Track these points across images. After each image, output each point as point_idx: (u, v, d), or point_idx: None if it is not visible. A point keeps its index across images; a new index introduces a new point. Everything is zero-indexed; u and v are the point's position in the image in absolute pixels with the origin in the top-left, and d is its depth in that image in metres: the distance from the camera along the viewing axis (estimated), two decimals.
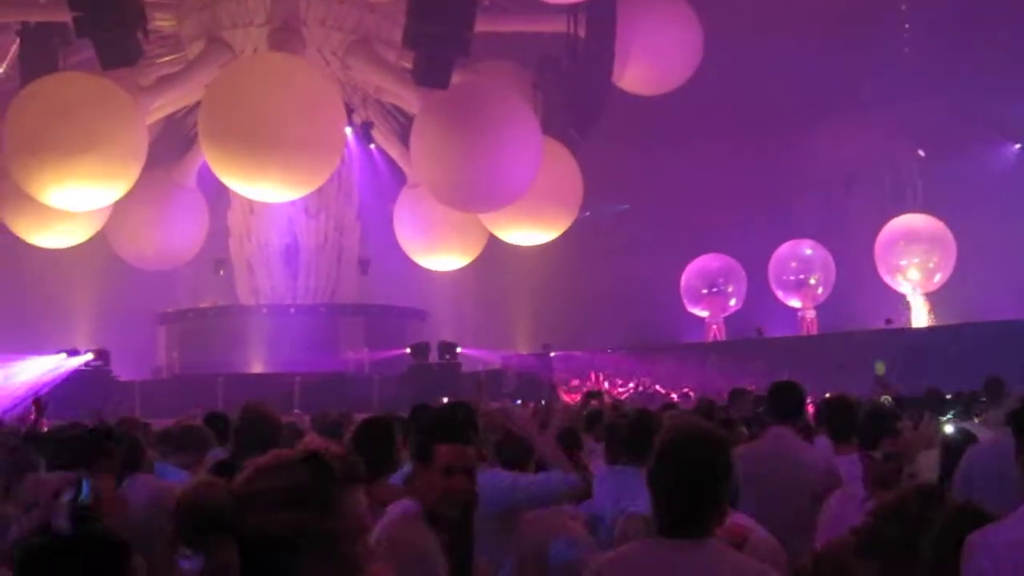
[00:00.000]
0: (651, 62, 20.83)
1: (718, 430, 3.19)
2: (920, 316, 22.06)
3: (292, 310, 22.16)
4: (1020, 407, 2.94)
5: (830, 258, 23.64)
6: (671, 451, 2.86)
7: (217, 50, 20.87)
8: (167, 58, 21.68)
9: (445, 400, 10.76)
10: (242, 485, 1.89)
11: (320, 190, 20.44)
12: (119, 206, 19.33)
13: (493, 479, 4.34)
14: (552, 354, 22.27)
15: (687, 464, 2.81)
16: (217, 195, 22.08)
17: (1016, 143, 24.64)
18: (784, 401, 5.76)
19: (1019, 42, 21.17)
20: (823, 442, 5.88)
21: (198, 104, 19.41)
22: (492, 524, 4.20)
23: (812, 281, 23.64)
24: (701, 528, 2.79)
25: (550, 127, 19.88)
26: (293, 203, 20.96)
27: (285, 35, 19.98)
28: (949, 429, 6.43)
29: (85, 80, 17.86)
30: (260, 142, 16.92)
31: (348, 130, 20.65)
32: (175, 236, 22.02)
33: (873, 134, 22.45)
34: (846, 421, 5.46)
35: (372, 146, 22.82)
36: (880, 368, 15.06)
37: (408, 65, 19.62)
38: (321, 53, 20.93)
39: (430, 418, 3.90)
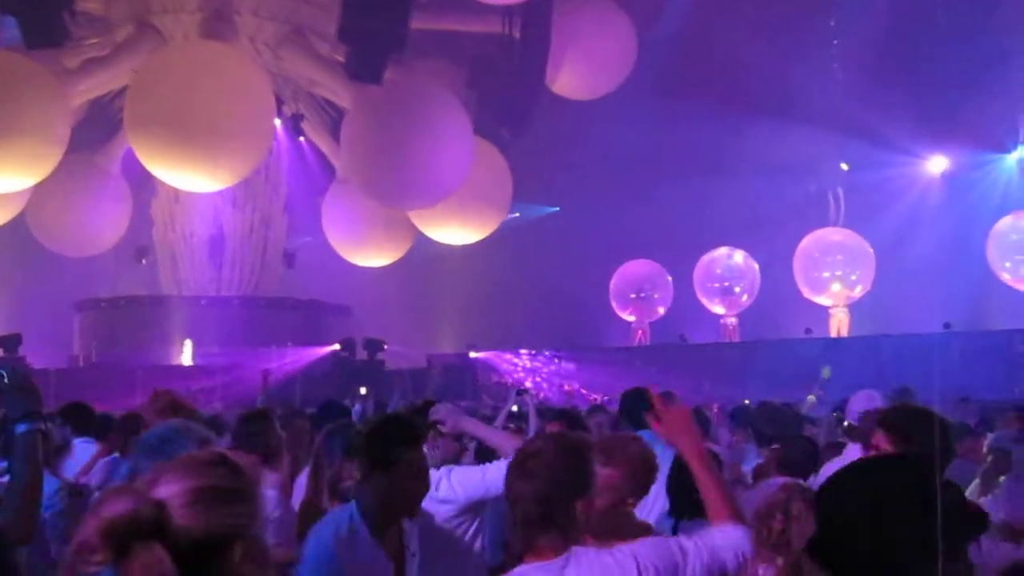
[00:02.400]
0: (584, 66, 20.98)
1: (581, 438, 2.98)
2: (838, 327, 22.49)
3: (215, 302, 21.83)
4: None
5: (755, 266, 23.99)
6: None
7: (146, 35, 20.50)
8: (94, 40, 21.19)
9: (363, 393, 10.68)
10: (165, 488, 1.85)
11: (247, 181, 20.24)
12: (39, 190, 18.90)
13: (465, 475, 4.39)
14: (474, 355, 22.28)
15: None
16: (141, 182, 21.69)
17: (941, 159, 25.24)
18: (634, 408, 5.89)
19: (946, 61, 21.69)
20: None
21: (125, 89, 19.09)
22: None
23: (737, 289, 23.95)
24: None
25: (482, 127, 19.91)
26: (220, 193, 20.72)
27: (216, 23, 19.73)
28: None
29: (8, 59, 17.41)
30: (187, 130, 16.69)
31: (277, 122, 20.45)
32: (97, 223, 21.54)
33: (798, 147, 22.81)
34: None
35: (302, 139, 22.63)
36: (826, 373, 15.38)
37: (341, 59, 19.48)
38: (253, 43, 20.67)
39: (391, 426, 3.86)
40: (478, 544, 4.37)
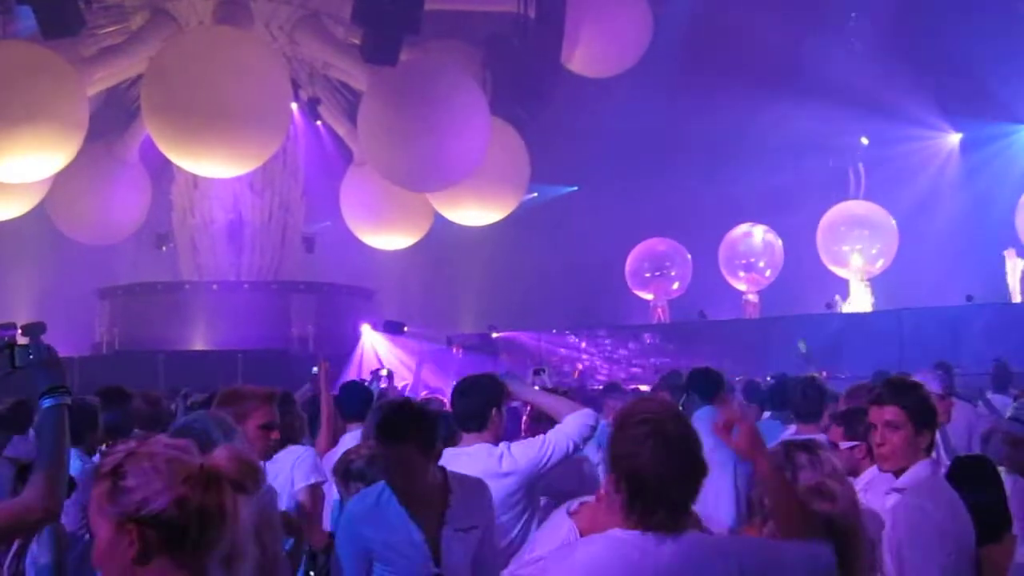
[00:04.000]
0: (600, 44, 20.90)
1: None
2: (863, 301, 22.34)
3: (236, 286, 21.91)
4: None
5: (778, 242, 23.87)
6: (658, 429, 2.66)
7: (161, 22, 20.53)
8: (110, 29, 21.23)
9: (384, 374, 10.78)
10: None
11: (265, 166, 20.27)
12: (59, 179, 19.00)
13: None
14: (495, 335, 22.27)
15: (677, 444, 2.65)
16: (160, 169, 21.77)
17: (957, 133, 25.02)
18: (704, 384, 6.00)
19: (962, 35, 21.46)
20: None
21: (141, 76, 19.13)
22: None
23: (761, 265, 23.85)
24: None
25: (499, 107, 19.85)
26: (238, 179, 20.76)
27: (231, 8, 19.75)
28: None
29: (25, 49, 17.48)
30: (205, 117, 16.73)
31: (294, 106, 20.47)
32: (116, 210, 21.65)
33: (817, 121, 22.65)
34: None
35: (318, 123, 22.65)
36: (802, 346, 15.40)
37: (356, 42, 19.46)
38: (268, 28, 20.67)
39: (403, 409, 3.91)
40: (531, 528, 4.35)
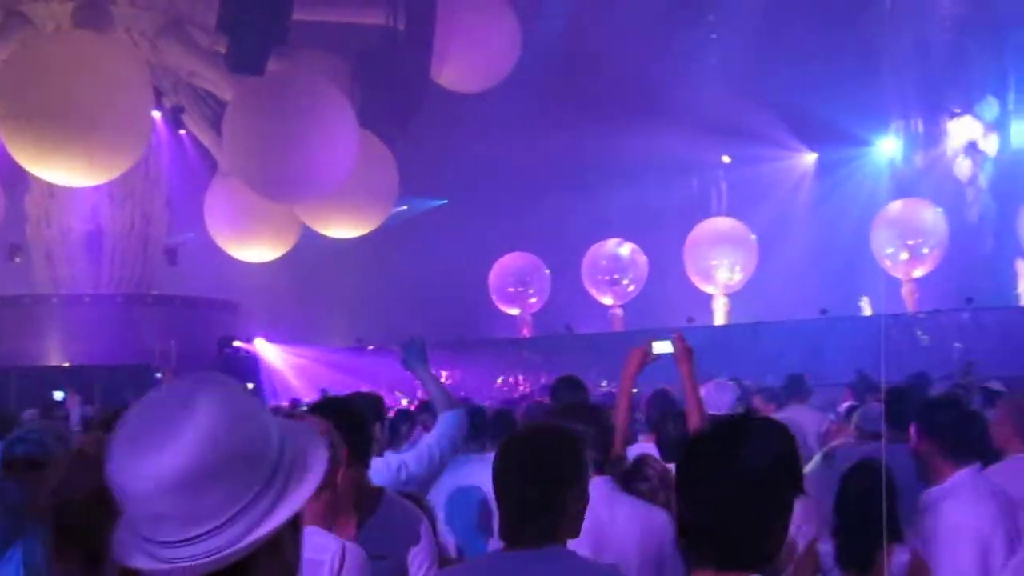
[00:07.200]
0: (469, 59, 21.02)
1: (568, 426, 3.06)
2: (719, 315, 23.00)
3: (95, 299, 21.24)
4: None
5: (642, 257, 24.36)
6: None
7: (15, 24, 19.81)
8: None
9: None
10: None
11: (126, 176, 19.73)
12: None
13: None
14: (370, 348, 22.14)
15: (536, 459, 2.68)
16: (13, 177, 20.96)
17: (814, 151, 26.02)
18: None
19: (817, 60, 22.32)
20: None
21: None
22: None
23: (625, 281, 24.30)
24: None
25: (368, 120, 19.79)
26: (97, 189, 20.17)
27: (91, 12, 19.19)
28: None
29: None
30: (61, 124, 16.24)
31: (157, 114, 20.00)
32: None
33: (681, 142, 23.24)
34: None
35: (183, 132, 22.17)
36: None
37: (222, 50, 19.14)
38: (130, 33, 20.17)
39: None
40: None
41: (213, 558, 1.43)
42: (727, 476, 1.95)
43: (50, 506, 2.25)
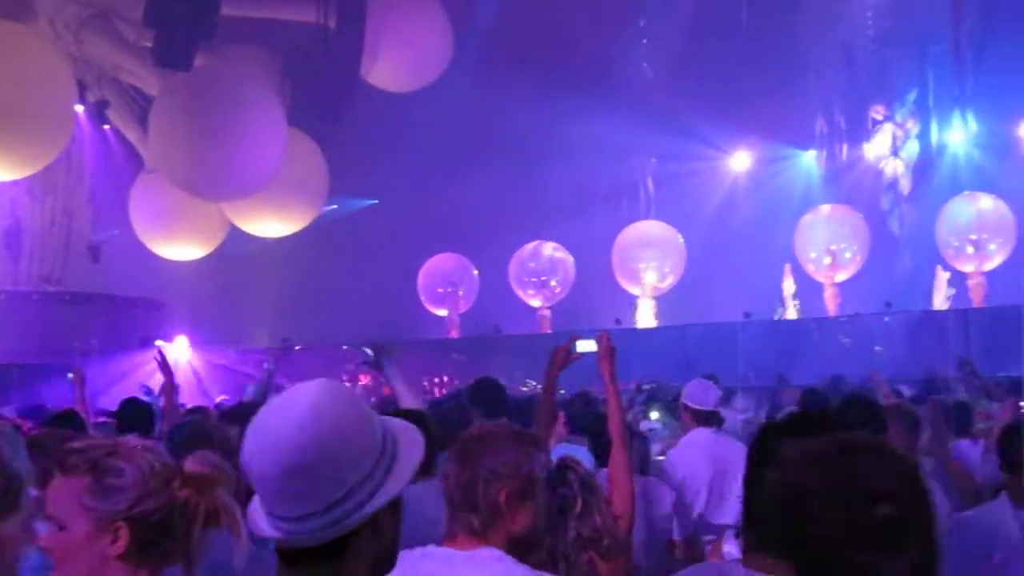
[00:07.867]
0: (399, 60, 20.95)
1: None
2: (647, 317, 23.15)
3: (8, 296, 20.71)
4: None
5: (569, 259, 24.42)
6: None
7: None
8: None
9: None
10: None
11: (47, 170, 19.35)
12: None
13: None
14: (296, 348, 21.86)
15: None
16: None
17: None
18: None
19: (751, 63, 22.59)
20: None
21: None
22: None
23: (552, 283, 24.34)
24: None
25: (298, 118, 19.62)
26: (16, 183, 19.72)
27: (11, 2, 18.76)
28: None
29: None
30: None
31: (80, 108, 19.60)
32: None
33: (611, 135, 23.27)
34: None
35: (107, 127, 21.73)
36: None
37: (148, 44, 18.84)
38: (52, 25, 19.73)
39: None
40: None
41: (323, 533, 1.77)
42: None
43: None
